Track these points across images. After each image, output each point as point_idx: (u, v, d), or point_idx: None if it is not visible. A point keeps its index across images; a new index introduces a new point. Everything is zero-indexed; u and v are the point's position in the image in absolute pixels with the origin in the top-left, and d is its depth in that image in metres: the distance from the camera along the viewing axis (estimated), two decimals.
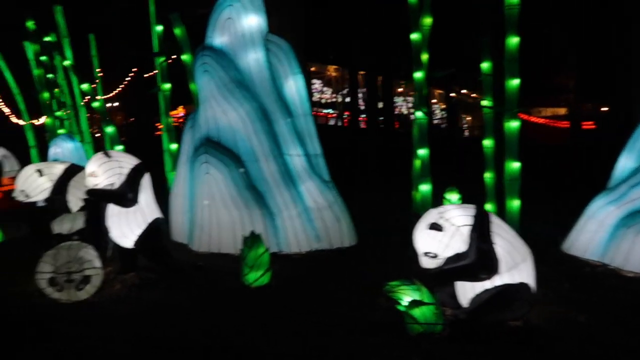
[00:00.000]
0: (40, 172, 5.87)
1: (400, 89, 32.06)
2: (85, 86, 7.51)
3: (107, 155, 4.11)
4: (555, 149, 19.44)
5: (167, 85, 6.97)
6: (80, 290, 3.76)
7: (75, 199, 6.04)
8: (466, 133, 35.92)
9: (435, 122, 34.44)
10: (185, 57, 6.37)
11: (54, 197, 6.04)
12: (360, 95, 23.63)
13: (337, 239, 5.15)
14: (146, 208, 4.24)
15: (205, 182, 5.01)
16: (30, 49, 8.94)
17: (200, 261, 4.78)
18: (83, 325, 3.40)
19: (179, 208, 5.54)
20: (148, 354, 3.03)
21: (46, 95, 8.45)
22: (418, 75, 5.37)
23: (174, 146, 6.97)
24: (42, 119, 10.38)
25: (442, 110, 36.16)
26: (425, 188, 5.46)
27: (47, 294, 3.75)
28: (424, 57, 5.34)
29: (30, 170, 5.88)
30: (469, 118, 38.14)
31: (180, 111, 24.49)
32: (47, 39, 8.25)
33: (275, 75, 5.20)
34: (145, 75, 19.72)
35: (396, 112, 30.50)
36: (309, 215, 5.08)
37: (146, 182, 4.29)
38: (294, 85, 5.26)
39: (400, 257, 4.85)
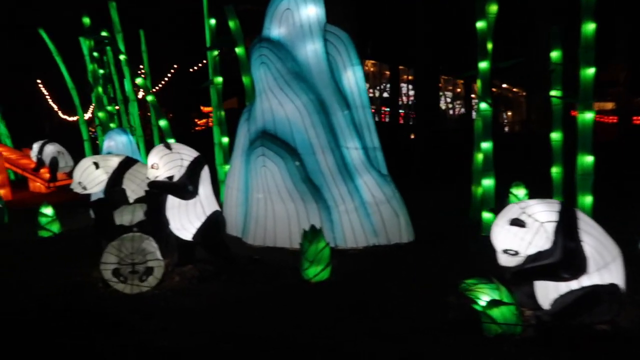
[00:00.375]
0: (96, 165, 5.99)
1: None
2: (139, 80, 7.61)
3: (168, 147, 4.10)
4: (604, 145, 18.54)
5: (219, 79, 6.98)
6: (142, 282, 3.76)
7: (130, 192, 6.14)
8: (506, 129, 34.93)
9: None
10: (239, 50, 6.34)
11: (111, 190, 6.18)
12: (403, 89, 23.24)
13: (395, 234, 5.00)
14: (205, 200, 4.21)
15: (261, 174, 4.95)
16: (85, 44, 9.17)
17: (256, 254, 4.73)
18: (147, 317, 3.39)
19: (233, 201, 5.51)
20: (213, 348, 2.99)
21: (100, 89, 8.63)
22: (483, 65, 5.13)
23: (225, 139, 6.98)
24: (88, 114, 10.68)
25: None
26: (487, 183, 5.22)
27: (111, 285, 3.78)
28: (489, 46, 5.09)
29: (87, 162, 5.99)
30: (509, 113, 37.07)
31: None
32: (103, 34, 8.41)
33: (334, 67, 5.07)
34: (191, 70, 20.06)
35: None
36: (366, 210, 4.95)
37: (205, 174, 4.26)
38: (352, 77, 5.12)
39: (462, 254, 4.71)
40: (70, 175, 11.15)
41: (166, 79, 19.50)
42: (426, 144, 11.32)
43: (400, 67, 26.13)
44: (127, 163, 6.34)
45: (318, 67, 4.99)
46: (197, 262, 4.40)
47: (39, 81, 19.87)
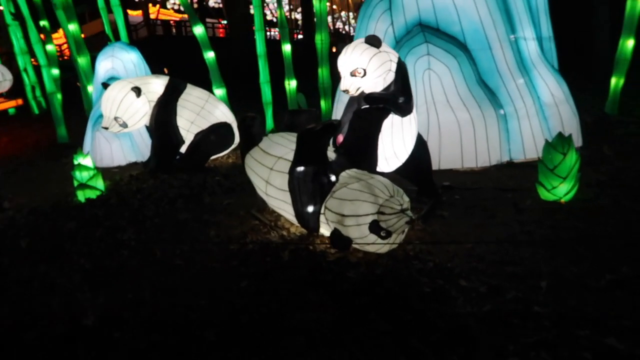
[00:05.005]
0: (137, 91, 4.54)
1: None
2: None
3: (374, 42, 2.90)
4: None
5: None
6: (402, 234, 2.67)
7: (189, 123, 4.79)
8: None
9: None
10: None
11: (161, 124, 4.77)
12: None
13: (575, 138, 4.31)
14: (413, 116, 3.17)
15: (424, 79, 3.92)
16: None
17: (446, 181, 3.83)
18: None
19: None
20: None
21: None
22: None
23: None
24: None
25: None
26: None
27: (357, 246, 2.71)
28: None
29: (124, 88, 4.50)
30: None
31: None
32: None
33: None
34: None
35: None
36: (544, 113, 4.17)
37: None
38: None
39: None
40: (6, 95, 8.85)
41: None
42: None
43: None
44: (176, 86, 4.92)
45: None
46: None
47: None
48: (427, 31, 3.91)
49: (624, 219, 2.98)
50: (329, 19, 31.46)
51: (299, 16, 28.11)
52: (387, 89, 2.97)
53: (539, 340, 1.99)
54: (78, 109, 7.92)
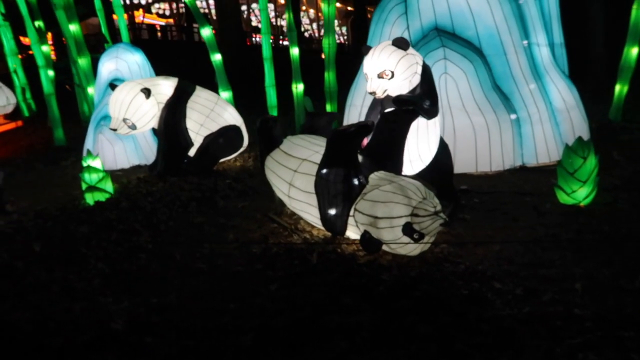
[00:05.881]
0: (147, 92, 4.46)
1: None
2: None
3: (402, 44, 2.89)
4: None
5: None
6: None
7: (198, 126, 4.72)
8: None
9: None
10: None
11: (170, 127, 4.69)
12: None
13: None
14: (437, 119, 3.16)
15: (442, 84, 3.93)
16: None
17: (462, 184, 3.82)
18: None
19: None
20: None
21: None
22: None
23: None
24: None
25: None
26: None
27: (390, 248, 2.66)
28: None
29: (133, 89, 4.42)
30: None
31: None
32: None
33: None
34: None
35: None
36: (556, 118, 4.21)
37: None
38: None
39: None
40: (11, 117, 8.69)
41: None
42: None
43: None
44: (185, 88, 4.85)
45: None
46: None
47: None
48: (443, 35, 3.93)
49: None
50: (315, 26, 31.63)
51: (284, 22, 28.18)
52: (412, 91, 2.97)
53: (585, 342, 1.98)
54: (70, 112, 7.77)
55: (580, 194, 3.25)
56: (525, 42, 4.07)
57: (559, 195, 3.34)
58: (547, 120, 4.13)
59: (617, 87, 5.58)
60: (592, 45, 8.18)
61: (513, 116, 4.01)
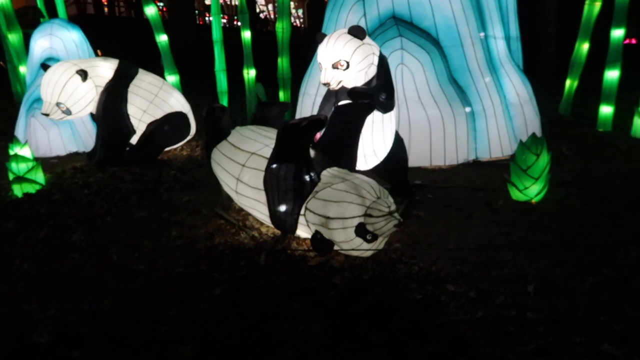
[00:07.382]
0: (83, 74, 4.14)
1: None
2: None
3: (358, 33, 2.74)
4: None
5: None
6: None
7: (140, 112, 4.44)
8: None
9: None
10: None
11: (110, 112, 4.38)
12: None
13: None
14: (393, 113, 3.04)
15: (398, 74, 3.82)
16: None
17: (417, 179, 3.74)
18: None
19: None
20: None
21: None
22: None
23: None
24: None
25: None
26: None
27: (342, 250, 2.54)
28: None
29: (68, 70, 4.09)
30: None
31: None
32: None
33: None
34: None
35: None
36: (509, 113, 4.20)
37: None
38: None
39: None
40: None
41: None
42: None
43: None
44: (126, 71, 4.54)
45: None
46: None
47: None
48: (401, 25, 3.81)
49: (595, 220, 3.03)
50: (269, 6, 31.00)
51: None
52: (368, 83, 2.83)
53: (537, 348, 1.93)
54: (4, 91, 7.19)
55: (532, 190, 3.24)
56: (482, 34, 4.03)
57: (512, 192, 3.33)
58: (501, 114, 4.11)
59: (568, 82, 5.68)
60: (544, 39, 8.34)
61: (468, 109, 3.97)
